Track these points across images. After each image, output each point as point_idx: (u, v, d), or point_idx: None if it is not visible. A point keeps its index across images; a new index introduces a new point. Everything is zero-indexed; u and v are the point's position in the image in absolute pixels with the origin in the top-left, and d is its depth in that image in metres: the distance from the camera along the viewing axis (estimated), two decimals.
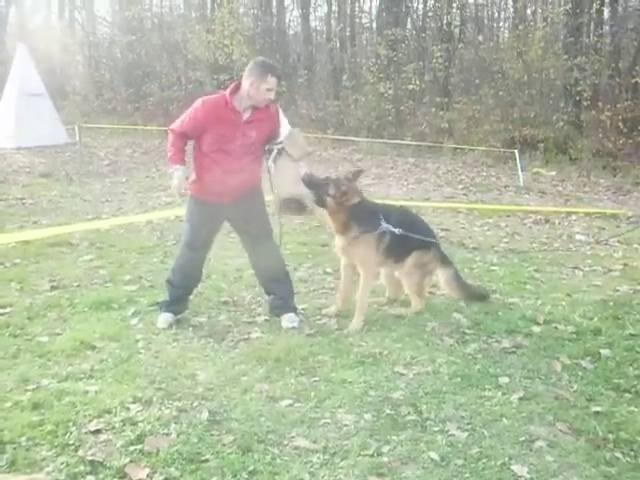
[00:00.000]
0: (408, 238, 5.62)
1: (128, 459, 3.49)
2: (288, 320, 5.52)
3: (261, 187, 5.48)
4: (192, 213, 5.46)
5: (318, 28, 29.27)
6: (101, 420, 3.88)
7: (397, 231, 5.54)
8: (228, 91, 5.15)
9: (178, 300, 5.57)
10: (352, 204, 5.49)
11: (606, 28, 20.39)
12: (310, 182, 5.39)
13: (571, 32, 19.25)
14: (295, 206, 5.45)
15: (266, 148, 5.34)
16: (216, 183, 5.20)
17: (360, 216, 5.53)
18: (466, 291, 6.09)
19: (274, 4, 26.56)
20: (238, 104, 5.12)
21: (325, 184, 5.45)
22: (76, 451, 3.56)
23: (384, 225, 5.54)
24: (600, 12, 20.23)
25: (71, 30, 31.14)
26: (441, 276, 6.09)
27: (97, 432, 3.75)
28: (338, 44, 26.00)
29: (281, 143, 5.28)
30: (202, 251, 5.53)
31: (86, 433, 3.74)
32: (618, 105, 17.69)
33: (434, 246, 5.99)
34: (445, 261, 6.10)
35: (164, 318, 5.47)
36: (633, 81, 18.17)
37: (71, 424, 3.82)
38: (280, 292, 5.68)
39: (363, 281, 5.68)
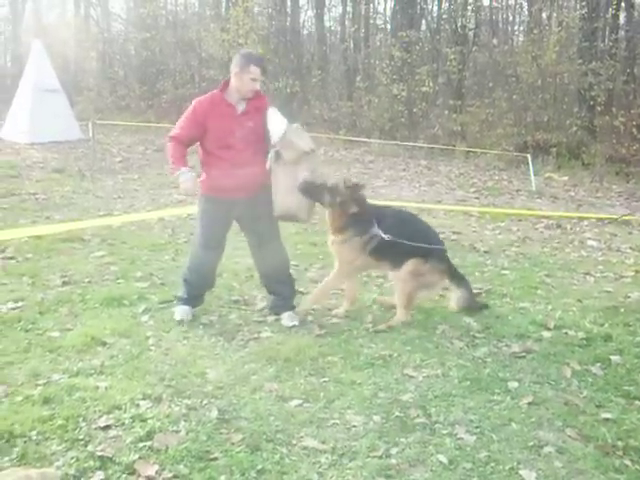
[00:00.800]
0: (402, 244, 5.49)
1: (137, 455, 3.51)
2: (288, 319, 5.57)
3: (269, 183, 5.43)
4: (204, 212, 5.48)
5: (332, 28, 29.33)
6: (111, 416, 3.90)
7: (386, 237, 5.45)
8: (220, 87, 5.32)
9: (195, 297, 5.67)
10: (350, 212, 5.49)
11: (621, 33, 20.32)
12: (306, 190, 5.27)
13: (586, 37, 19.21)
14: (289, 219, 5.48)
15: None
16: (225, 178, 5.25)
17: (355, 222, 5.52)
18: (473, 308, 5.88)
19: (289, 4, 26.58)
20: (231, 98, 5.26)
21: (321, 192, 5.41)
22: (86, 446, 3.58)
23: (374, 230, 5.48)
24: (616, 17, 20.17)
25: (86, 27, 31.25)
26: (453, 294, 5.89)
27: (107, 428, 3.77)
28: (352, 45, 26.01)
29: (275, 146, 5.22)
30: (216, 251, 5.56)
31: (96, 429, 3.76)
32: (632, 111, 17.63)
33: (436, 257, 5.69)
34: (456, 277, 5.85)
35: (182, 310, 5.55)
36: None
37: (81, 419, 3.84)
38: (283, 292, 5.74)
39: (331, 275, 5.74)
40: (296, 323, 5.52)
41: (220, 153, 5.25)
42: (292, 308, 5.71)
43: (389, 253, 5.57)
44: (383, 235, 5.46)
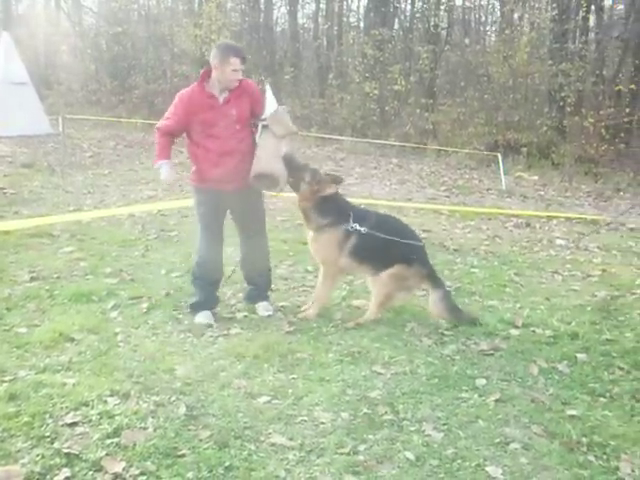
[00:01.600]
0: (390, 247, 5.50)
1: (104, 452, 3.48)
2: (264, 309, 5.74)
3: None
4: (199, 203, 5.58)
5: (305, 25, 29.31)
6: (78, 413, 3.86)
7: (362, 230, 5.46)
8: (200, 79, 5.36)
9: (209, 296, 5.67)
10: (322, 196, 5.51)
11: (591, 35, 20.58)
12: (290, 162, 5.43)
13: (557, 38, 19.41)
14: (268, 182, 5.42)
15: (251, 122, 5.46)
16: (213, 168, 5.35)
17: (326, 209, 5.53)
18: (454, 314, 5.65)
19: (262, 0, 26.51)
20: (212, 89, 5.32)
21: (303, 169, 5.55)
22: (52, 443, 3.54)
23: (350, 223, 5.49)
24: (586, 19, 20.42)
25: (57, 20, 30.94)
26: (430, 296, 5.72)
27: (73, 424, 3.74)
28: (325, 42, 26.08)
29: (265, 120, 5.36)
30: (217, 239, 5.62)
31: (62, 425, 3.73)
32: (601, 112, 17.82)
33: (419, 262, 5.66)
34: (434, 280, 5.72)
35: (203, 315, 5.54)
36: (616, 88, 18.39)
37: (47, 416, 3.80)
38: (260, 284, 5.89)
39: (322, 278, 5.75)
40: (271, 313, 5.69)
41: (205, 143, 5.34)
42: (267, 298, 5.88)
43: (371, 256, 5.55)
44: (359, 228, 5.46)
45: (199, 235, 5.64)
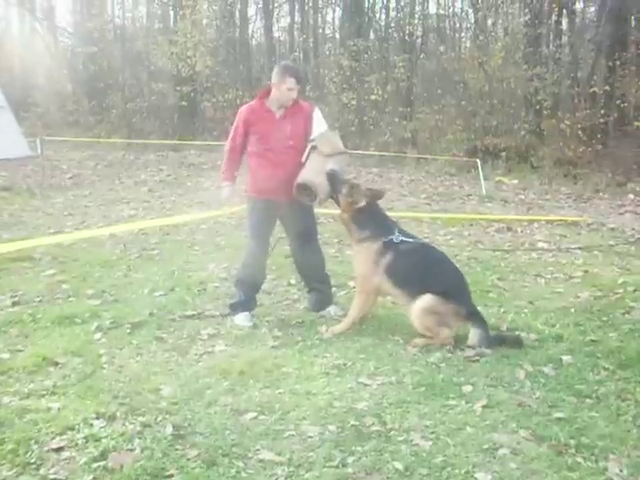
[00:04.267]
0: (425, 274, 5.41)
1: (91, 476, 3.44)
2: (335, 310, 6.09)
3: None
4: (250, 211, 5.97)
5: (281, 39, 29.39)
6: (64, 437, 3.82)
7: (395, 238, 5.47)
8: (260, 94, 5.87)
9: (250, 298, 5.98)
10: (360, 209, 5.57)
11: (564, 39, 20.76)
12: (332, 177, 5.59)
13: (531, 42, 19.62)
14: (307, 193, 5.60)
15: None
16: (267, 179, 5.75)
17: (365, 222, 5.58)
18: (494, 346, 5.24)
19: (237, 15, 26.57)
20: (271, 105, 5.77)
21: (342, 183, 5.64)
22: (38, 470, 3.50)
23: (392, 235, 5.49)
24: (558, 23, 20.63)
25: (32, 41, 30.85)
26: (471, 334, 5.32)
27: (59, 450, 3.69)
28: (301, 55, 26.11)
29: (314, 140, 5.69)
30: (263, 245, 5.98)
31: (48, 451, 3.68)
32: (577, 114, 18.03)
33: (456, 298, 5.37)
34: (475, 320, 5.36)
35: (243, 317, 5.83)
36: (591, 90, 18.57)
37: (33, 442, 3.75)
38: (323, 290, 6.19)
39: (355, 296, 5.72)
40: (342, 313, 5.94)
41: (261, 154, 5.77)
42: (333, 302, 6.21)
43: (404, 277, 5.43)
44: (401, 237, 5.49)
45: (249, 240, 6.03)
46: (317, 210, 6.41)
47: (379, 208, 5.77)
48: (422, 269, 5.46)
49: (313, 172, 5.57)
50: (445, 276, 5.51)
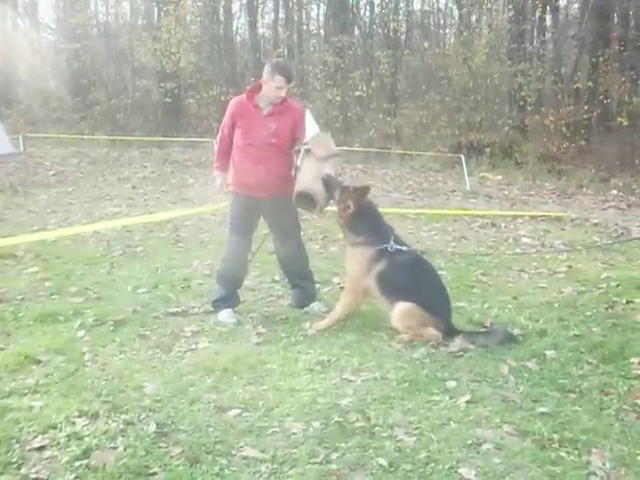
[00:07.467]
0: (408, 282, 5.41)
1: (74, 475, 3.42)
2: (318, 308, 6.09)
3: (292, 186, 5.68)
4: (233, 205, 5.97)
5: (265, 35, 29.33)
6: (46, 436, 3.79)
7: (390, 247, 5.45)
8: (251, 88, 5.86)
9: (231, 294, 5.98)
10: (355, 214, 5.53)
11: (548, 35, 20.84)
12: (327, 182, 5.58)
13: (514, 39, 19.66)
14: (307, 201, 5.64)
15: (295, 149, 5.77)
16: (247, 174, 5.75)
17: (360, 228, 5.56)
18: (485, 344, 5.23)
19: (221, 11, 26.48)
20: (260, 101, 5.76)
21: (335, 188, 5.62)
22: (19, 469, 3.47)
23: (387, 243, 5.47)
24: (542, 20, 20.71)
25: (14, 37, 30.61)
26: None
27: (41, 448, 3.66)
28: (286, 51, 26.06)
29: (307, 144, 5.66)
30: (244, 239, 5.96)
31: (30, 450, 3.65)
32: (561, 110, 18.10)
33: (437, 314, 5.37)
34: (452, 335, 5.30)
35: (227, 314, 5.83)
36: (575, 86, 18.66)
37: (14, 441, 3.71)
38: (306, 286, 6.20)
39: (343, 295, 5.71)
40: (326, 309, 5.97)
41: (244, 149, 5.77)
42: (316, 299, 6.22)
43: (393, 289, 5.43)
44: (395, 246, 5.47)
45: (228, 235, 6.02)
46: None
47: (375, 212, 5.76)
48: (411, 282, 5.46)
49: (311, 178, 5.55)
50: (430, 292, 5.52)
